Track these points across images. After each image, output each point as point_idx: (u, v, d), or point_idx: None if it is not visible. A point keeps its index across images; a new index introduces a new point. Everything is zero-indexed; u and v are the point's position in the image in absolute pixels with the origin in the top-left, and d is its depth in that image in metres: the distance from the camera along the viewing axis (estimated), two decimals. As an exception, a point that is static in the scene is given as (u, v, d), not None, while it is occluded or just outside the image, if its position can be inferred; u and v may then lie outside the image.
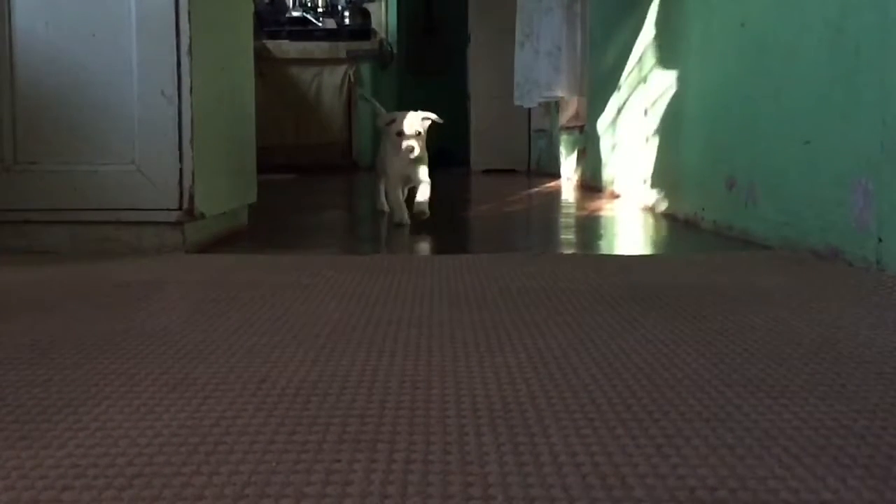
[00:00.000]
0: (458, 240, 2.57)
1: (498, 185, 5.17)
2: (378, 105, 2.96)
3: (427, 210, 2.61)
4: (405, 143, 2.57)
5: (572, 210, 3.35)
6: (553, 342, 1.07)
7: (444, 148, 8.33)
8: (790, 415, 0.78)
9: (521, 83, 6.03)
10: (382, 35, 7.61)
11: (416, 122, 2.58)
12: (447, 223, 2.87)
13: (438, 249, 2.07)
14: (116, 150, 1.95)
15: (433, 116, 2.62)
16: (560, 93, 5.06)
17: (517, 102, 6.22)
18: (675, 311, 1.26)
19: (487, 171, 6.95)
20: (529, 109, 6.71)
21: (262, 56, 6.25)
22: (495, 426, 0.75)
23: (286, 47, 6.86)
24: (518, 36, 6.10)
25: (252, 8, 2.61)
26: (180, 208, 1.95)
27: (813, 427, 0.75)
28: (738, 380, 0.90)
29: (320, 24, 7.27)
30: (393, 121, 2.62)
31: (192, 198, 1.95)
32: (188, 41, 1.92)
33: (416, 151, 2.57)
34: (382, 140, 2.86)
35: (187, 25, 1.92)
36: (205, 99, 2.02)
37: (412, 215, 2.62)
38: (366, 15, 7.51)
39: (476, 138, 7.30)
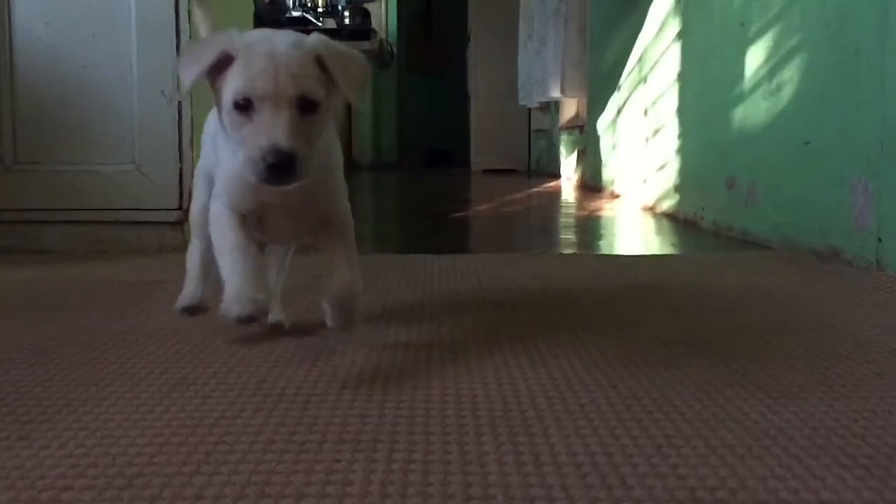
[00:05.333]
0: (458, 240, 2.57)
1: (498, 185, 5.17)
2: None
3: (352, 299, 0.98)
4: (266, 131, 0.88)
5: (572, 210, 3.35)
6: (553, 342, 1.07)
7: (443, 148, 8.36)
8: (790, 415, 0.78)
9: (524, 83, 6.04)
10: (382, 35, 7.62)
11: (296, 66, 0.89)
12: (446, 223, 2.87)
13: (438, 249, 2.06)
14: (116, 150, 1.95)
15: (342, 51, 0.96)
16: (560, 93, 5.06)
17: (521, 102, 6.22)
18: (675, 311, 1.26)
19: (487, 171, 6.95)
20: (529, 109, 6.71)
21: (262, 56, 6.24)
22: (495, 426, 0.75)
23: (286, 47, 6.85)
24: (521, 35, 6.10)
25: (252, 8, 2.61)
26: (180, 208, 1.95)
27: (813, 427, 0.75)
28: (738, 380, 0.90)
29: (320, 24, 7.27)
30: (227, 56, 0.93)
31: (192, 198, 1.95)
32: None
33: (300, 159, 0.87)
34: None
35: (187, 25, 1.92)
36: (205, 99, 2.02)
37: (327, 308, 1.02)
38: (366, 15, 7.51)
39: (476, 138, 7.31)
